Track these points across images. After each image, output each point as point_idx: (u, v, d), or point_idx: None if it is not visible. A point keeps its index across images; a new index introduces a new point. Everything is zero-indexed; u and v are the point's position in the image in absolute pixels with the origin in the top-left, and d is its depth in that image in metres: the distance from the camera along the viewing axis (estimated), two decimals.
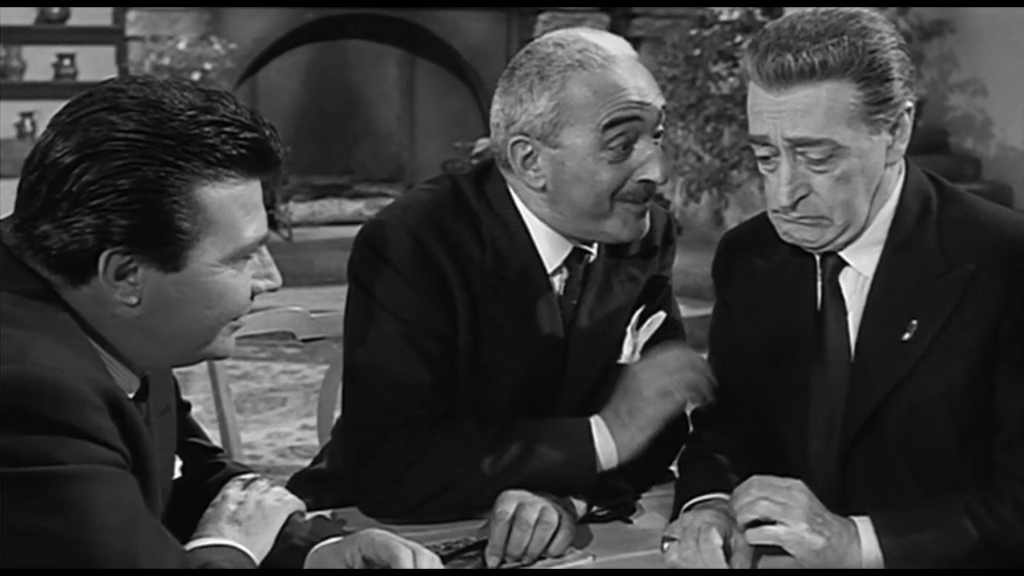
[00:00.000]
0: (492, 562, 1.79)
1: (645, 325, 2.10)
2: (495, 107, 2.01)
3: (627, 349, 2.09)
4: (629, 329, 2.09)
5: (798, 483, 1.75)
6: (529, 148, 1.97)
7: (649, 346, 2.09)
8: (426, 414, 1.93)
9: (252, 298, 1.53)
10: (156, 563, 1.37)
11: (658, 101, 1.97)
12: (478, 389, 1.99)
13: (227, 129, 1.43)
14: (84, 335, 1.44)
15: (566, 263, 2.04)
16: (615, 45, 1.98)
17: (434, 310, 1.96)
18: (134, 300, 1.44)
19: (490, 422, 1.95)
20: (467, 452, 1.91)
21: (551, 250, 2.03)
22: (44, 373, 1.32)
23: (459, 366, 1.98)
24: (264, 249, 1.53)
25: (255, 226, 1.48)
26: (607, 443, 1.93)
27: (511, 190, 2.03)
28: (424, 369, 1.94)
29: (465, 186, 2.04)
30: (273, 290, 1.54)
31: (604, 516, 1.96)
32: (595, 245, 2.06)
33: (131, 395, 1.49)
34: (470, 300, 1.97)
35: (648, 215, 2.02)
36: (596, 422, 1.94)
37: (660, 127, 1.98)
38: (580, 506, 1.94)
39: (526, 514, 1.81)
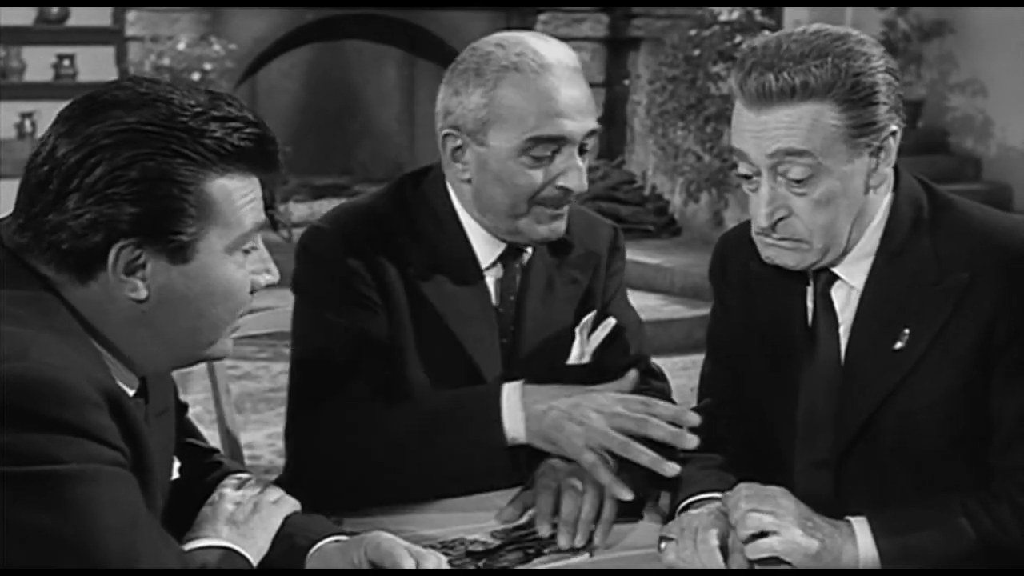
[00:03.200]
0: (544, 530, 1.80)
1: (598, 330, 2.12)
2: (438, 96, 2.05)
3: (576, 351, 2.11)
4: (578, 331, 2.11)
5: (782, 490, 1.75)
6: (459, 141, 2.01)
7: (599, 351, 2.12)
8: (358, 410, 1.96)
9: (252, 293, 1.54)
10: (156, 563, 1.38)
11: (588, 121, 1.98)
12: (425, 384, 2.03)
13: (233, 124, 1.46)
14: (85, 334, 1.44)
15: (501, 260, 2.07)
16: (555, 53, 1.99)
17: (369, 314, 2.00)
18: (143, 295, 1.44)
19: (410, 403, 1.98)
20: (381, 438, 1.93)
21: (485, 246, 2.06)
22: (46, 371, 1.33)
23: (402, 361, 2.01)
24: (262, 245, 1.55)
25: (254, 215, 1.51)
26: (516, 417, 1.90)
27: (448, 185, 2.08)
28: (358, 372, 1.98)
29: (407, 183, 2.11)
30: (272, 284, 1.57)
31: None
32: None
33: (131, 395, 1.49)
34: (410, 294, 2.02)
35: (564, 218, 2.04)
36: (511, 391, 1.91)
37: (589, 142, 2.00)
38: None
39: (573, 482, 1.83)
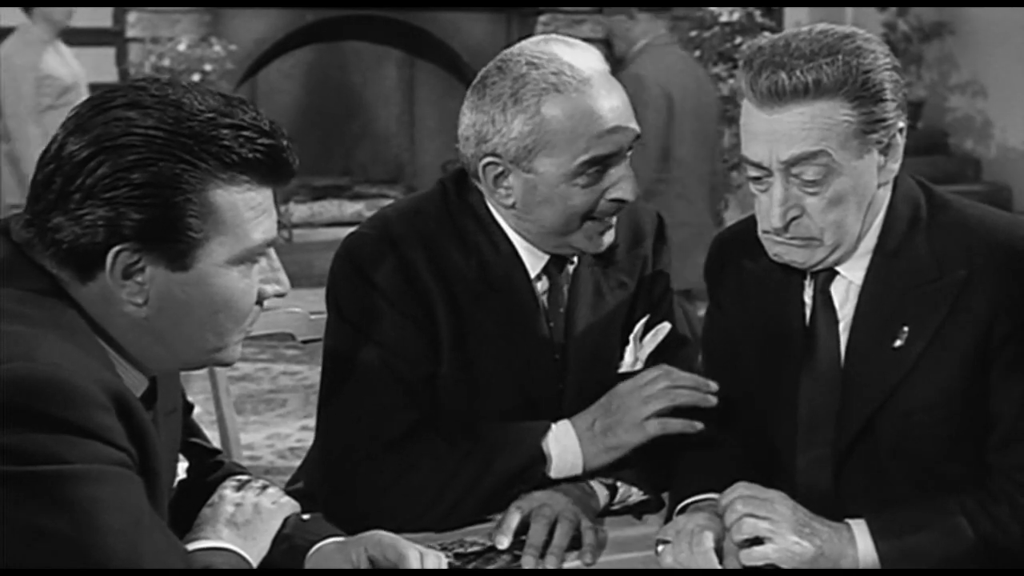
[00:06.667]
0: (501, 543, 1.81)
1: (650, 335, 2.08)
2: (465, 119, 1.96)
3: (628, 358, 2.07)
4: (632, 338, 2.07)
5: (779, 494, 1.75)
6: (500, 168, 1.94)
7: (653, 357, 2.08)
8: (401, 437, 1.91)
9: (260, 304, 1.52)
10: (159, 564, 1.37)
11: (632, 126, 1.94)
12: (469, 404, 1.97)
13: (244, 133, 1.44)
14: (92, 334, 1.44)
15: (545, 271, 2.02)
16: (589, 62, 1.93)
17: (413, 332, 1.94)
18: (140, 300, 1.43)
19: (462, 435, 1.93)
20: (437, 474, 1.90)
21: (530, 258, 2.01)
22: (52, 372, 1.32)
23: (445, 383, 1.96)
24: (273, 253, 1.52)
25: (263, 228, 1.48)
26: (570, 450, 1.91)
27: (487, 200, 2.01)
28: (402, 394, 1.92)
29: (451, 194, 2.02)
30: (281, 295, 1.54)
31: (618, 511, 1.97)
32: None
33: (139, 395, 1.48)
34: (454, 313, 1.95)
35: (614, 228, 2.00)
36: (560, 428, 1.93)
37: (634, 146, 1.96)
38: (602, 494, 1.95)
39: (544, 511, 1.84)
